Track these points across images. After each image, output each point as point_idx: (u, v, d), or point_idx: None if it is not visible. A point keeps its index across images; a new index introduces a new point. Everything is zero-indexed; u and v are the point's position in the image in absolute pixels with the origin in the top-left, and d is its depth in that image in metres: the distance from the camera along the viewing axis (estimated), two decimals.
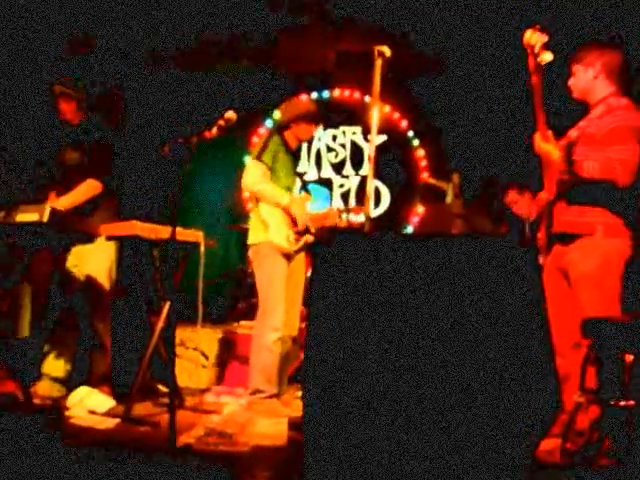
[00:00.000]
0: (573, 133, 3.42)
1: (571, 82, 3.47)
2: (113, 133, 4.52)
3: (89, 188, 4.32)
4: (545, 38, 3.06)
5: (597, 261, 3.21)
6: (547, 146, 3.27)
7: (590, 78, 3.38)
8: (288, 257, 4.34)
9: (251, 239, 4.40)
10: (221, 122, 3.61)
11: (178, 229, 3.76)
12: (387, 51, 3.35)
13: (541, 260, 3.53)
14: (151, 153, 6.08)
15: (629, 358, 2.86)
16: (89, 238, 4.14)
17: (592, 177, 3.20)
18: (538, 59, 3.09)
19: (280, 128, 4.55)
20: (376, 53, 3.34)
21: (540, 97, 3.21)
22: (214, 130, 3.58)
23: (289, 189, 4.45)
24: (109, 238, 4.18)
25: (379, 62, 3.33)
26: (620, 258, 3.25)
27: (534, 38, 3.07)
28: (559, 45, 3.36)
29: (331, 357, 2.40)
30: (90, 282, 4.31)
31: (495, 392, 2.35)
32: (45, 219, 3.78)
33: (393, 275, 2.42)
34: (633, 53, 4.99)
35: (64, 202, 4.22)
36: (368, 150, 7.19)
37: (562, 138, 3.40)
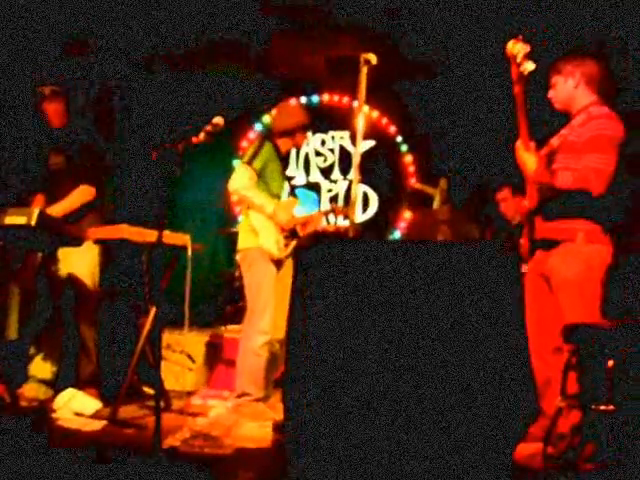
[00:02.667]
0: (555, 141, 3.45)
1: (551, 94, 3.49)
2: (102, 137, 4.51)
3: (82, 194, 4.34)
4: (527, 48, 3.10)
5: (578, 267, 3.25)
6: (526, 156, 3.32)
7: (571, 88, 3.41)
8: (277, 263, 4.37)
9: (241, 244, 4.41)
10: (208, 127, 3.62)
11: (166, 233, 3.77)
12: (373, 59, 3.38)
13: (523, 268, 3.56)
14: (147, 156, 6.09)
15: (610, 363, 2.89)
16: (77, 241, 4.14)
17: (566, 187, 3.25)
18: (521, 69, 3.13)
19: (275, 135, 4.54)
20: (362, 61, 3.37)
21: (522, 106, 3.26)
22: (201, 135, 3.59)
23: (278, 195, 4.46)
24: (97, 241, 4.19)
25: (365, 70, 3.36)
26: (601, 264, 3.29)
27: (516, 48, 3.11)
28: (559, 49, 3.40)
29: (331, 357, 2.42)
30: (73, 283, 4.30)
31: (495, 392, 2.37)
32: (33, 222, 3.76)
33: (392, 276, 2.43)
34: (633, 53, 5.05)
35: (57, 209, 4.23)
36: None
37: (544, 146, 3.44)
